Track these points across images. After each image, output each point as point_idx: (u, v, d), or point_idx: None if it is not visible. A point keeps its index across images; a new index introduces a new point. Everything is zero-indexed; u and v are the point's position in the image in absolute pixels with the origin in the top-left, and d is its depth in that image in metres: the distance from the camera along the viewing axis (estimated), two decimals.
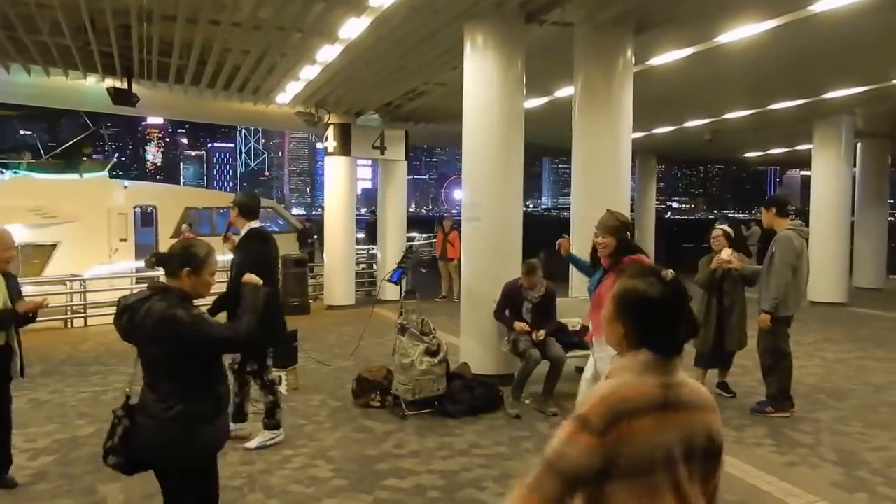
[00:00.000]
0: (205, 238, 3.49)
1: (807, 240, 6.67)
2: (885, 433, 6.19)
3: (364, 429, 6.37)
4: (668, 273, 1.81)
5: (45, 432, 6.26)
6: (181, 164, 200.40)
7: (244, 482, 5.09)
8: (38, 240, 15.71)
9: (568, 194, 9.05)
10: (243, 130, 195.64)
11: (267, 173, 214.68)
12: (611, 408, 1.66)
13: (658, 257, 20.90)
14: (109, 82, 11.40)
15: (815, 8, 7.38)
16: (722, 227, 7.12)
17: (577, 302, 7.67)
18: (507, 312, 7.13)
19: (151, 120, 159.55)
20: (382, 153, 14.95)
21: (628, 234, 5.37)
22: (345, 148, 14.41)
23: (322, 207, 16.72)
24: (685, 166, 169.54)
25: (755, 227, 19.28)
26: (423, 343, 6.74)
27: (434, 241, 17.32)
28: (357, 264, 16.32)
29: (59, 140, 22.51)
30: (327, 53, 9.30)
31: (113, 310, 3.20)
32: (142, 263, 12.45)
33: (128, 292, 3.89)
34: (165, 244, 8.67)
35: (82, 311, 12.92)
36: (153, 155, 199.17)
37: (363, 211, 63.98)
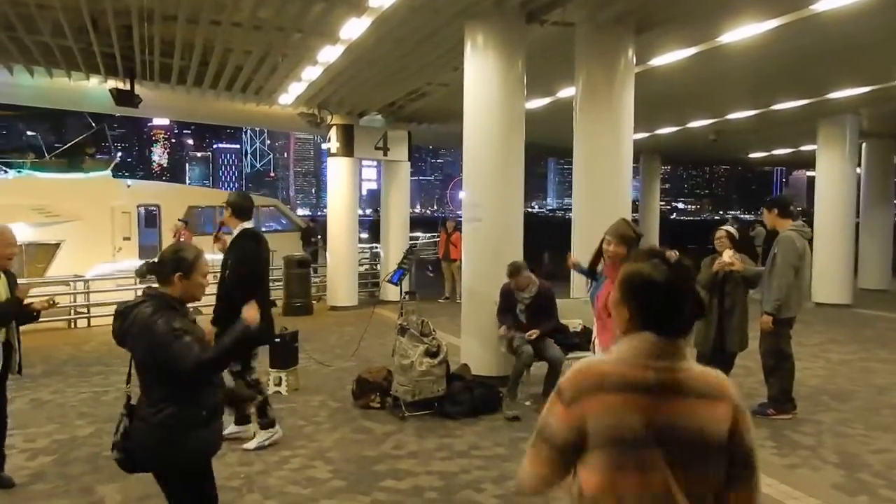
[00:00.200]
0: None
1: (809, 241, 6.63)
2: (888, 435, 6.15)
3: (363, 430, 6.35)
4: (673, 255, 1.82)
5: (45, 432, 6.25)
6: (187, 164, 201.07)
7: (242, 483, 5.08)
8: (42, 238, 15.78)
9: None
10: (249, 131, 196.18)
11: (272, 174, 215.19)
12: (580, 381, 1.75)
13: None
14: (112, 83, 11.43)
15: (817, 7, 7.34)
16: (726, 228, 7.08)
17: (578, 303, 7.63)
18: (507, 313, 7.13)
19: (157, 121, 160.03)
20: (385, 154, 14.95)
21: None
22: (347, 149, 14.40)
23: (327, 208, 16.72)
24: (690, 167, 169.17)
25: (759, 228, 19.19)
26: (423, 344, 6.72)
27: (437, 240, 17.32)
28: (360, 264, 16.33)
29: (64, 141, 22.56)
30: (329, 54, 9.29)
31: None
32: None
33: (131, 293, 3.92)
34: (169, 243, 8.69)
35: (85, 311, 12.95)
36: (159, 156, 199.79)
37: (367, 211, 64.03)
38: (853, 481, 5.10)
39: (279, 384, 7.56)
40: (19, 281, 5.05)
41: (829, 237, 14.28)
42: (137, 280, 11.73)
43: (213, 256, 5.21)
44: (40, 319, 5.12)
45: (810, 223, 13.76)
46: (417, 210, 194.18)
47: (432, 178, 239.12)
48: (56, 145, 23.06)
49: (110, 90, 11.16)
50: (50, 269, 15.42)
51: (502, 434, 6.20)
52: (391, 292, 12.89)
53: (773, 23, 7.93)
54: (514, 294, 7.04)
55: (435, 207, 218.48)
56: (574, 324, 7.56)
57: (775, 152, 22.30)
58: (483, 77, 7.87)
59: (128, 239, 17.28)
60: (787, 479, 5.10)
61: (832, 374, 8.41)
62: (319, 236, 18.81)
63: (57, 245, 15.91)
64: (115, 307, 3.23)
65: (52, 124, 76.80)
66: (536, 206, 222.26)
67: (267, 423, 5.85)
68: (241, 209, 5.76)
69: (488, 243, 7.97)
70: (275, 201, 23.50)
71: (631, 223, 5.12)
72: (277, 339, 7.65)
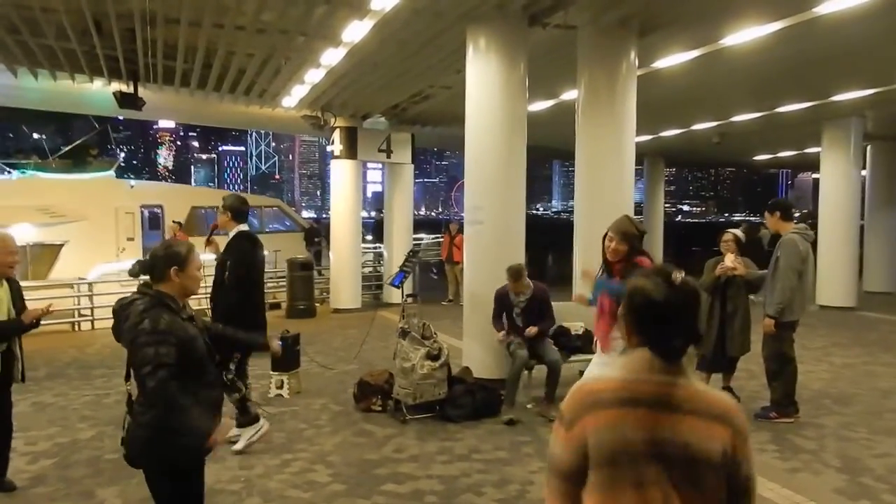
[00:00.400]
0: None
1: (813, 243, 6.60)
2: (891, 439, 6.12)
3: (364, 433, 6.35)
4: (679, 276, 1.81)
5: (46, 435, 6.27)
6: (192, 167, 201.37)
7: (242, 486, 5.08)
8: (47, 239, 15.84)
9: None
10: (254, 134, 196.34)
11: (277, 176, 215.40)
12: (578, 401, 1.76)
13: (665, 262, 20.78)
14: (115, 86, 11.45)
15: (820, 10, 7.31)
16: (734, 231, 7.06)
17: (579, 306, 7.60)
18: (503, 318, 7.09)
19: (163, 123, 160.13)
20: (389, 156, 14.97)
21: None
22: (351, 151, 14.42)
23: None
24: (695, 169, 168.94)
25: (764, 231, 19.11)
26: (424, 347, 6.72)
27: (441, 241, 17.33)
28: (364, 266, 16.33)
29: (71, 143, 22.71)
30: (331, 57, 9.29)
31: None
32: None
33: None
34: None
35: (89, 313, 12.97)
36: (164, 158, 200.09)
37: (372, 214, 64.13)
38: (855, 486, 5.08)
39: (281, 387, 7.56)
40: (23, 284, 5.06)
41: (834, 240, 14.21)
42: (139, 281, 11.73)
43: (206, 257, 5.23)
44: (44, 323, 5.14)
45: (816, 225, 13.73)
46: (422, 212, 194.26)
47: (437, 180, 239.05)
48: (62, 147, 23.18)
49: (114, 93, 11.18)
50: (54, 270, 15.48)
51: (503, 437, 6.19)
52: (395, 295, 12.89)
53: (775, 25, 7.90)
54: (510, 297, 6.99)
55: (440, 209, 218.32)
56: (576, 327, 7.55)
57: (780, 154, 22.25)
58: (485, 80, 7.87)
59: (131, 240, 17.34)
60: (788, 484, 5.08)
61: (835, 378, 8.37)
62: (322, 237, 18.85)
63: (61, 245, 15.98)
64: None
65: (57, 127, 77.01)
66: (541, 209, 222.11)
67: (249, 420, 5.80)
68: (240, 212, 5.87)
69: (490, 246, 7.95)
70: (278, 202, 23.54)
71: (634, 220, 5.09)
72: (281, 342, 7.67)
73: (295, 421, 6.69)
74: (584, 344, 7.09)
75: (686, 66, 9.68)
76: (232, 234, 5.80)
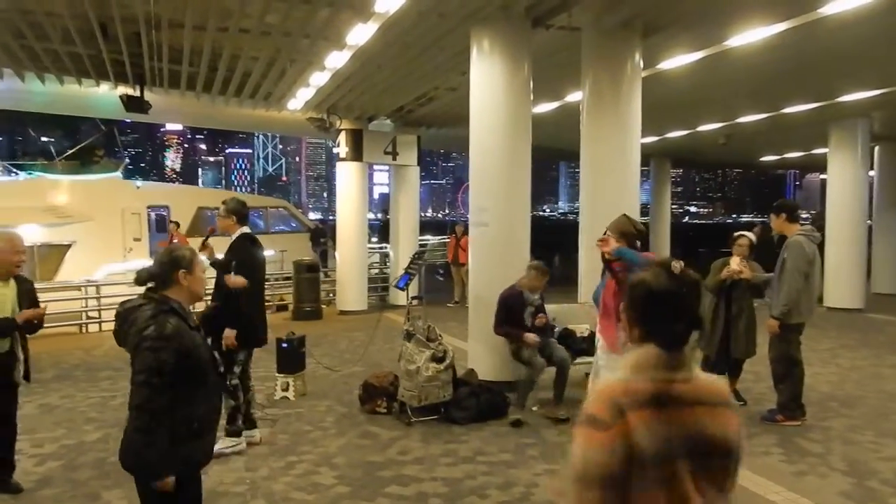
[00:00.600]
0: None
1: (820, 245, 6.56)
2: None
3: (369, 435, 6.35)
4: (677, 265, 1.84)
5: (53, 437, 6.29)
6: (200, 169, 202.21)
7: (247, 489, 5.09)
8: (54, 239, 15.92)
9: None
10: (261, 136, 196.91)
11: (284, 178, 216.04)
12: (611, 401, 1.68)
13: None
14: (122, 90, 11.51)
15: (825, 10, 7.28)
16: (748, 235, 7.04)
17: (585, 308, 7.61)
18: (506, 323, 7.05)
19: (170, 126, 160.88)
20: (394, 158, 14.97)
21: (638, 243, 5.31)
22: (356, 153, 14.42)
23: None
24: (703, 170, 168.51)
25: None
26: (429, 349, 6.72)
27: (447, 243, 17.32)
28: (370, 268, 16.34)
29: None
30: (336, 59, 9.31)
31: None
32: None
33: None
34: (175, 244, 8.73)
35: (97, 315, 13.02)
36: (172, 161, 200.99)
37: (378, 215, 64.26)
38: (861, 489, 5.05)
39: (286, 389, 7.58)
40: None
41: (842, 241, 14.12)
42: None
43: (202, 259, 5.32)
44: (51, 325, 5.16)
45: (824, 227, 13.67)
46: (429, 213, 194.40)
47: (444, 181, 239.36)
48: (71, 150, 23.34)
49: (120, 96, 11.24)
50: (61, 270, 15.55)
51: (508, 440, 6.18)
52: (401, 296, 12.88)
53: (780, 26, 7.87)
54: (524, 297, 6.87)
55: (446, 211, 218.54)
56: (581, 329, 7.53)
57: (787, 156, 22.16)
58: (489, 81, 7.87)
59: (138, 240, 17.42)
60: (794, 487, 5.06)
61: (842, 380, 8.33)
62: (328, 237, 18.88)
63: (68, 246, 16.06)
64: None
65: (65, 131, 77.42)
66: (548, 210, 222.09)
67: (233, 431, 5.84)
68: (243, 215, 6.03)
69: (495, 248, 7.95)
70: (284, 202, 23.61)
71: (632, 219, 5.09)
72: (286, 344, 7.71)
73: (300, 423, 6.70)
74: (589, 346, 7.06)
75: (691, 67, 9.66)
76: (235, 235, 5.93)
